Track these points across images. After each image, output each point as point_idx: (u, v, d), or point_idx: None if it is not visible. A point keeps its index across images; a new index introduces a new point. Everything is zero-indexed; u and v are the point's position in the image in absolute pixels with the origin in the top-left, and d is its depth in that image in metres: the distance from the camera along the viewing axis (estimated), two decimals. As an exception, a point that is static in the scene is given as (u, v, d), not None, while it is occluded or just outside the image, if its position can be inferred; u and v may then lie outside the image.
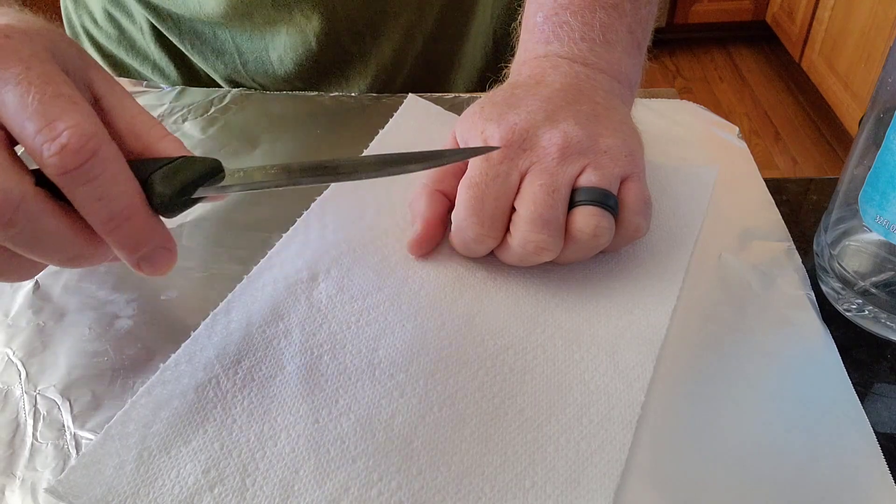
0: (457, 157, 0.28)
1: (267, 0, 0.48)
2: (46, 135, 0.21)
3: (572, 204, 0.30)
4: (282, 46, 0.50)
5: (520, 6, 0.40)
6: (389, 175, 0.25)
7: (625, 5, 0.36)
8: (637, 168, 0.32)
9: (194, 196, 0.25)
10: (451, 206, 0.32)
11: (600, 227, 0.30)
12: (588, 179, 0.30)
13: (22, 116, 0.21)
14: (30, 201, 0.22)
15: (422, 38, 0.53)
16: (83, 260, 0.24)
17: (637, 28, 0.37)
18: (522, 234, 0.30)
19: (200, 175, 0.24)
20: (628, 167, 0.32)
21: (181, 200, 0.24)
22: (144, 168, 0.24)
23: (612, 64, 0.35)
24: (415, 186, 0.34)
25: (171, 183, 0.24)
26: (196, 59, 0.54)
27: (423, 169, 0.27)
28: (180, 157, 0.25)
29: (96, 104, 0.26)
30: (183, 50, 0.54)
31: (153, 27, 0.54)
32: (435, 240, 0.33)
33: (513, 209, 0.31)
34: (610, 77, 0.35)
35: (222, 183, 0.25)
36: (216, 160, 0.25)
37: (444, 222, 0.33)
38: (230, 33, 0.51)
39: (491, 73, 0.50)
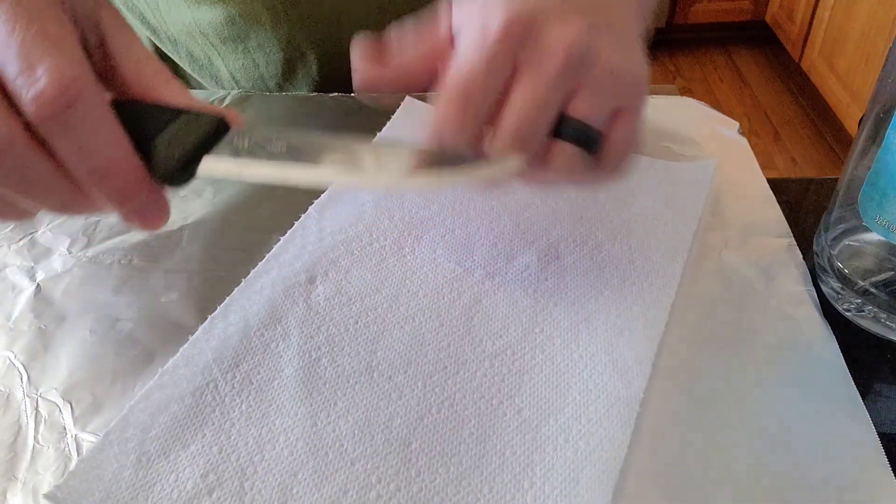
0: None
1: (266, 22, 0.48)
2: (25, 79, 0.20)
3: (557, 128, 0.27)
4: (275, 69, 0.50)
5: None
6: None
7: None
8: (636, 100, 0.29)
9: (198, 172, 0.23)
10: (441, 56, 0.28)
11: (576, 170, 0.28)
12: (579, 108, 0.27)
13: (4, 57, 0.20)
14: (17, 144, 0.21)
15: None
16: (76, 208, 0.23)
17: None
18: (501, 149, 0.27)
19: (204, 142, 0.23)
20: (627, 98, 0.29)
21: (184, 176, 0.23)
22: (143, 118, 0.23)
23: None
24: (413, 192, 0.34)
25: (173, 153, 0.23)
26: (196, 84, 0.54)
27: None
28: (182, 116, 0.23)
29: (102, 46, 0.24)
30: (186, 70, 0.54)
31: (155, 49, 0.54)
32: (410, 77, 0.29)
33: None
34: None
35: (224, 159, 0.23)
36: (219, 119, 0.24)
37: (427, 62, 0.29)
38: (223, 61, 0.51)
39: None
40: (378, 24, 0.35)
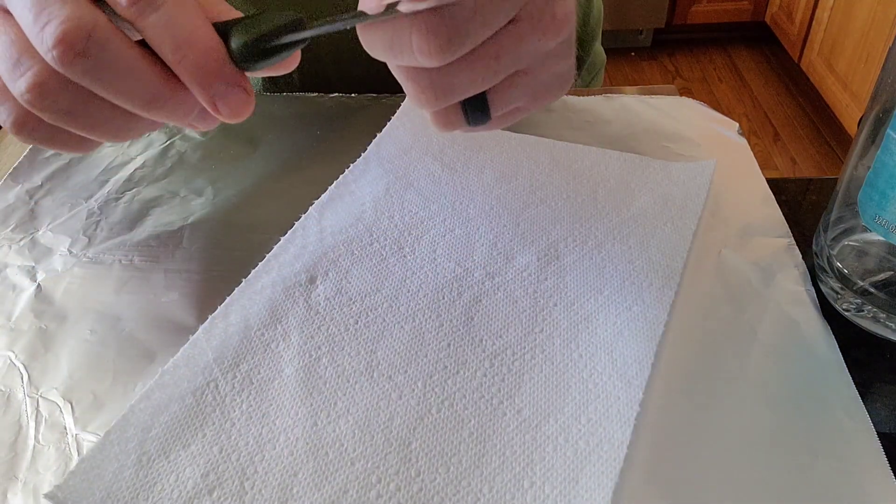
0: None
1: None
2: None
3: None
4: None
5: None
6: None
7: None
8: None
9: (274, 44, 0.24)
10: None
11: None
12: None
13: None
14: (102, 29, 0.22)
15: None
16: (163, 103, 0.24)
17: None
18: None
19: (281, 26, 0.24)
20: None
21: (260, 49, 0.24)
22: (225, 26, 0.24)
23: None
24: (413, 192, 0.34)
25: (248, 32, 0.24)
26: None
27: None
28: (262, 11, 0.25)
29: None
30: None
31: None
32: None
33: None
34: None
35: (303, 33, 0.24)
36: (299, 15, 0.25)
37: None
38: None
39: None
40: (352, 31, 0.35)
